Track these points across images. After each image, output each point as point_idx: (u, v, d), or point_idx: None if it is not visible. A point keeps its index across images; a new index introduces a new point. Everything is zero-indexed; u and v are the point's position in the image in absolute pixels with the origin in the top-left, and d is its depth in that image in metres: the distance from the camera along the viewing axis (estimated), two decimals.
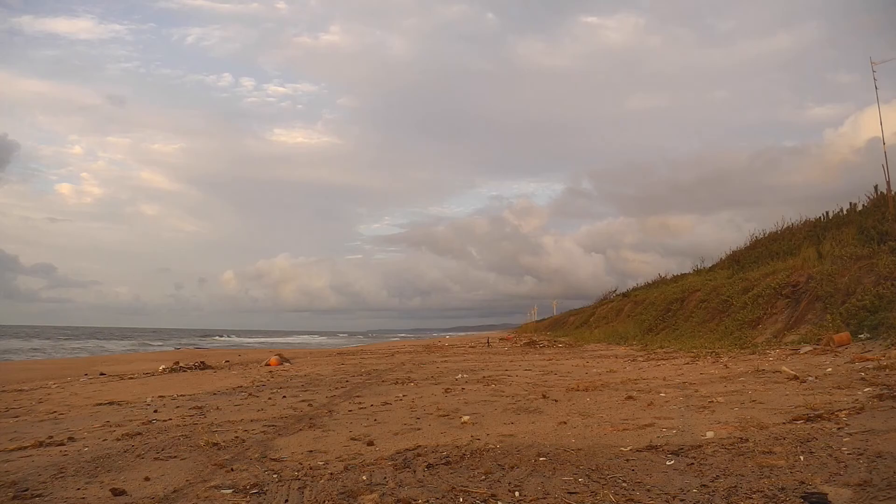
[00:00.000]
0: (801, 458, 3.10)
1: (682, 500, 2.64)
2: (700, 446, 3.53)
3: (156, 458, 3.90)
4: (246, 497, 2.97)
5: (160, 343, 43.64)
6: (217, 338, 61.33)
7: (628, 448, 3.64)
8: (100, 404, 7.04)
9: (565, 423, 4.65)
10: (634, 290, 29.64)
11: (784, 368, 6.70)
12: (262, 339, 55.80)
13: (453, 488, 2.96)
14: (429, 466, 3.41)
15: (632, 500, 2.69)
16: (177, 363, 13.68)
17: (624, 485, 2.90)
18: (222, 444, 4.29)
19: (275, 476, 3.34)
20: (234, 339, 60.30)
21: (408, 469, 3.39)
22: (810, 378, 5.93)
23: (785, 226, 17.85)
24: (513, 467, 3.31)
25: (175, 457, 3.94)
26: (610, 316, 26.73)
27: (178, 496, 3.03)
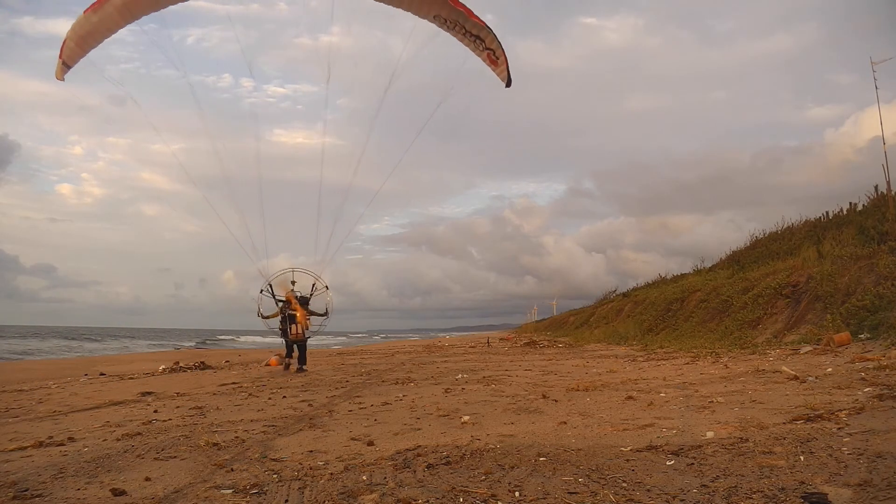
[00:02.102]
0: (802, 458, 3.10)
1: (682, 501, 2.64)
2: (700, 446, 3.53)
3: (156, 459, 3.90)
4: (246, 497, 2.97)
5: (160, 343, 43.65)
6: (218, 338, 61.36)
7: (628, 448, 3.63)
8: (100, 404, 7.04)
9: (565, 423, 4.65)
10: (634, 290, 29.60)
11: (784, 368, 6.70)
12: (263, 339, 55.84)
13: (453, 488, 2.96)
14: (429, 466, 3.41)
15: (632, 500, 2.69)
16: (177, 363, 13.68)
17: (624, 485, 2.90)
18: (222, 444, 4.29)
19: (275, 476, 3.34)
20: (234, 339, 60.32)
21: (408, 469, 3.39)
22: (810, 378, 5.93)
23: (785, 226, 17.86)
24: (513, 467, 3.31)
25: (175, 457, 3.94)
26: (610, 316, 26.71)
27: (179, 496, 3.03)
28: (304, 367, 10.66)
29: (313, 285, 10.66)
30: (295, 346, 10.77)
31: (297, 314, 10.34)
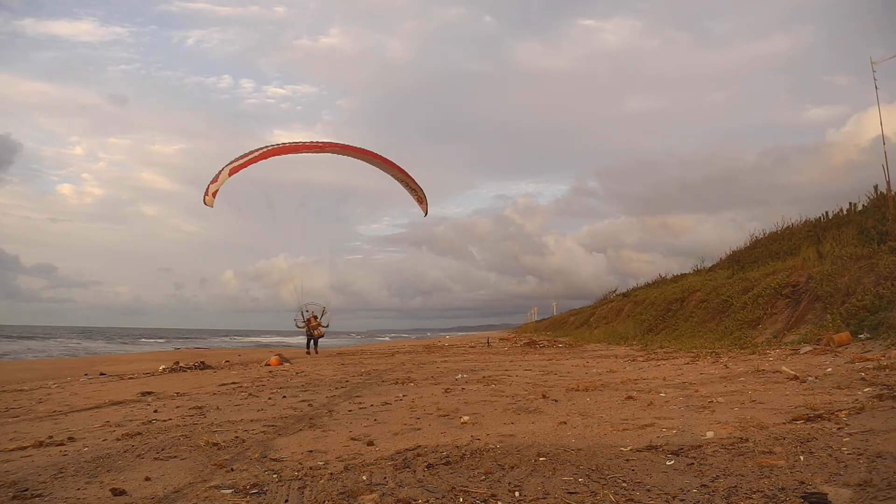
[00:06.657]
0: (801, 458, 3.10)
1: (682, 500, 2.64)
2: (700, 446, 3.53)
3: (156, 458, 3.90)
4: (246, 497, 2.97)
5: (160, 343, 43.63)
6: (219, 338, 61.38)
7: (628, 448, 3.64)
8: (100, 404, 7.04)
9: (565, 423, 4.65)
10: (634, 290, 29.60)
11: (784, 368, 6.70)
12: (263, 339, 55.86)
13: (453, 488, 2.96)
14: (429, 466, 3.41)
15: (632, 500, 2.69)
16: (177, 363, 13.67)
17: (624, 485, 2.90)
18: (222, 444, 4.29)
19: (275, 476, 3.34)
20: (235, 339, 60.35)
21: (408, 469, 3.39)
22: (810, 378, 5.93)
23: (785, 226, 17.86)
24: (513, 467, 3.31)
25: (175, 457, 3.94)
26: (610, 316, 26.71)
27: (179, 496, 3.03)
28: (317, 351, 18.93)
29: (323, 309, 18.83)
30: (313, 341, 18.87)
31: (315, 324, 18.80)
